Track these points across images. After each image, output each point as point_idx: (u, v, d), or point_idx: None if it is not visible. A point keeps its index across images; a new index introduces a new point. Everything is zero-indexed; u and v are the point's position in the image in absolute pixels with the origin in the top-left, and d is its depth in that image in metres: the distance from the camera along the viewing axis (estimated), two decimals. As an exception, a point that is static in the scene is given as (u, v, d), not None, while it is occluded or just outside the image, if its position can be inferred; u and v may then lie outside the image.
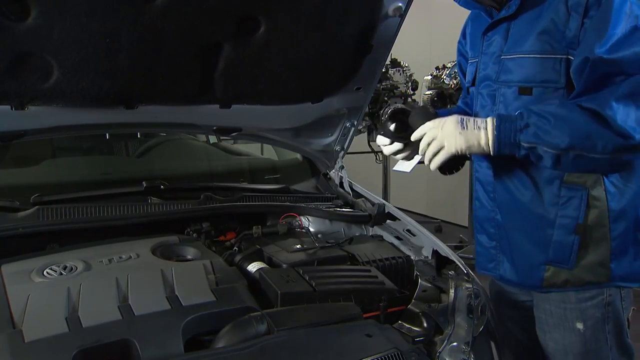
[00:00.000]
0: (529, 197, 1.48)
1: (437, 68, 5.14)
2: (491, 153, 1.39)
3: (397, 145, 1.63)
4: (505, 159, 1.48)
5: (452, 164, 1.55)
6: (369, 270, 1.68)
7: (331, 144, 2.51)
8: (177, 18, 1.65)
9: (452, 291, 1.64)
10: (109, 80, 1.78)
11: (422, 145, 1.47)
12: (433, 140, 1.43)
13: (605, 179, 1.41)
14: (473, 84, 1.67)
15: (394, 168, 5.81)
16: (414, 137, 1.50)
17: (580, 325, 1.48)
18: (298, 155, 2.69)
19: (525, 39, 1.44)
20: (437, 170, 1.55)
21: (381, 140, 1.68)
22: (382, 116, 1.66)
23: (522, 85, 1.45)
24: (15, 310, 1.29)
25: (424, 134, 1.47)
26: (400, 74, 5.24)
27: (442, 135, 1.42)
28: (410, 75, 5.28)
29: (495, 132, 1.37)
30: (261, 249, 1.79)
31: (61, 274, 1.48)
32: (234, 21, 1.73)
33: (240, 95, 2.07)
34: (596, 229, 1.42)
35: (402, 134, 1.60)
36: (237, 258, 1.73)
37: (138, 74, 1.80)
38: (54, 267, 1.50)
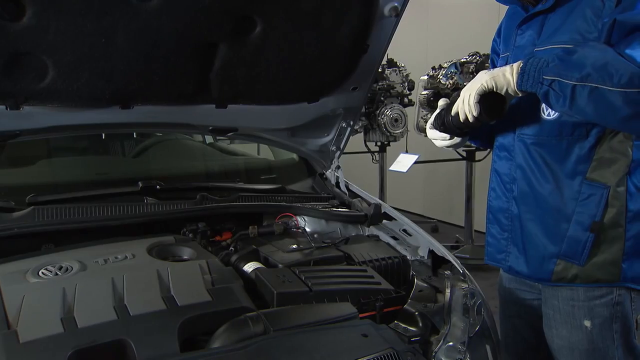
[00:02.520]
0: (548, 190, 1.49)
1: (433, 68, 5.15)
2: (514, 87, 1.40)
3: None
4: (526, 150, 1.52)
5: (492, 108, 1.50)
6: (365, 271, 1.68)
7: (327, 144, 2.51)
8: (173, 18, 1.65)
9: (448, 291, 1.64)
10: (104, 80, 1.78)
11: (461, 104, 1.50)
12: (468, 92, 1.47)
13: (628, 178, 1.41)
14: None
15: (390, 168, 5.83)
16: (458, 101, 1.53)
17: (587, 323, 1.48)
18: (294, 155, 2.69)
19: (559, 31, 1.46)
20: (484, 120, 1.52)
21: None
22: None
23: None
24: (10, 310, 1.28)
25: (462, 96, 1.51)
26: (397, 74, 5.25)
27: (472, 84, 1.46)
28: (407, 75, 5.29)
29: (522, 64, 1.39)
30: (257, 249, 1.79)
31: (56, 274, 1.47)
32: (230, 21, 1.73)
33: (237, 95, 2.07)
34: (612, 228, 1.43)
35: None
36: (233, 258, 1.73)
37: (134, 74, 1.80)
38: (49, 267, 1.50)
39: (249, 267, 1.65)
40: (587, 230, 1.44)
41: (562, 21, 1.46)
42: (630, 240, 1.42)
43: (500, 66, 1.58)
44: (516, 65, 1.40)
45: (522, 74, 1.38)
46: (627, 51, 1.26)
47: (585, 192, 1.44)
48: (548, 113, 1.49)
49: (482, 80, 1.44)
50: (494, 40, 1.81)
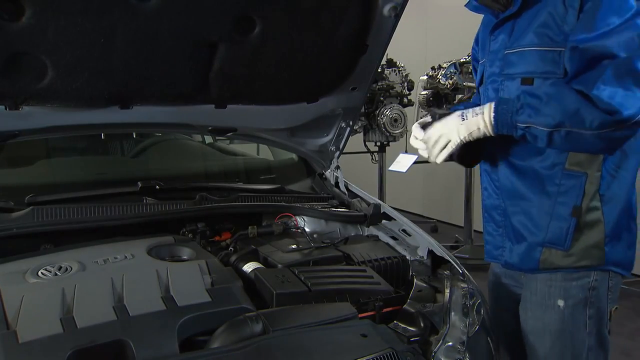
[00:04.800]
0: (529, 182, 1.54)
1: (432, 68, 5.15)
2: (491, 134, 1.47)
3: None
4: (506, 147, 1.56)
5: (469, 155, 1.62)
6: (365, 271, 1.69)
7: (327, 144, 2.51)
8: (172, 18, 1.65)
9: (447, 291, 1.64)
10: (103, 80, 1.78)
11: (429, 145, 1.56)
12: (440, 137, 1.52)
13: (603, 165, 1.46)
14: (481, 83, 1.74)
15: (390, 168, 5.82)
16: (423, 139, 1.57)
17: (561, 303, 1.51)
18: (293, 156, 2.69)
19: (527, 33, 1.50)
20: (459, 165, 1.68)
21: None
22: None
23: (524, 76, 1.51)
24: (10, 311, 1.28)
25: (430, 137, 1.55)
26: (396, 74, 5.25)
27: (447, 131, 1.51)
28: (406, 75, 5.29)
29: (493, 114, 1.44)
30: (256, 249, 1.79)
31: (56, 274, 1.47)
32: (229, 21, 1.73)
33: (236, 95, 2.07)
34: (591, 211, 1.47)
35: None
36: (233, 258, 1.73)
37: (133, 74, 1.80)
38: (48, 267, 1.50)
39: (248, 267, 1.65)
40: (569, 215, 1.48)
41: (528, 24, 1.50)
42: (610, 224, 1.47)
43: (479, 72, 1.72)
44: (488, 115, 1.46)
45: (496, 124, 1.45)
46: (594, 92, 1.32)
47: (564, 182, 1.49)
48: None
49: (459, 134, 1.49)
50: (473, 48, 1.86)
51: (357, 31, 1.96)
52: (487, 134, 1.48)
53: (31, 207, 1.78)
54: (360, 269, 1.71)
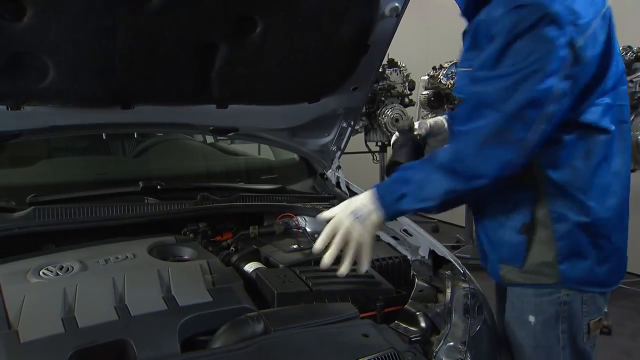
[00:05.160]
0: (487, 200, 1.50)
1: (434, 68, 5.15)
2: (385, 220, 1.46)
3: None
4: None
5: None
6: (366, 270, 1.68)
7: (328, 144, 2.51)
8: (174, 18, 1.65)
9: (448, 291, 1.64)
10: (105, 80, 1.78)
11: (333, 251, 1.45)
12: (348, 242, 1.44)
13: (547, 180, 1.40)
14: None
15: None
16: (319, 245, 1.48)
17: (532, 319, 1.48)
18: (295, 156, 2.69)
19: (463, 52, 1.48)
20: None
21: None
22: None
23: (460, 96, 1.49)
24: (11, 310, 1.28)
25: (332, 246, 1.46)
26: (397, 74, 5.25)
27: (351, 233, 1.43)
28: (407, 75, 5.29)
29: (382, 210, 1.43)
30: (258, 249, 1.79)
31: (57, 274, 1.47)
32: (231, 21, 1.73)
33: (237, 95, 2.07)
34: (540, 229, 1.43)
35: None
36: (234, 258, 1.73)
37: (134, 74, 1.80)
38: (50, 267, 1.50)
39: (249, 267, 1.65)
40: (519, 232, 1.45)
41: (465, 42, 1.48)
42: (561, 241, 1.41)
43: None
44: (376, 211, 1.43)
45: (389, 218, 1.45)
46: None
47: (514, 197, 1.44)
48: None
49: (371, 239, 1.45)
50: None
51: (358, 31, 1.96)
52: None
53: (33, 207, 1.78)
54: None
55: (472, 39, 1.42)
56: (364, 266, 1.47)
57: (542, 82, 1.25)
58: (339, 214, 1.45)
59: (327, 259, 1.44)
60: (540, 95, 1.26)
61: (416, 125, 1.75)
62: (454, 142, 1.41)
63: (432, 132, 1.76)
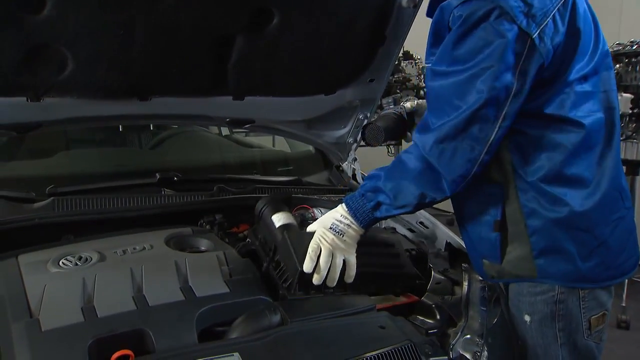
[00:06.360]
0: (463, 195, 1.46)
1: (449, 60, 5.10)
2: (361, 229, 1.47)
3: None
4: None
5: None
6: (393, 246, 1.67)
7: (344, 136, 2.50)
8: (191, 10, 1.65)
9: (465, 284, 1.63)
10: (122, 72, 1.79)
11: (323, 262, 1.43)
12: (333, 255, 1.43)
13: (516, 175, 1.37)
14: None
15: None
16: (307, 266, 1.43)
17: (527, 318, 1.46)
18: (310, 148, 2.69)
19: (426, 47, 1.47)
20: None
21: None
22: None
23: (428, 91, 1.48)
24: (32, 299, 1.30)
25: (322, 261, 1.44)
26: (413, 67, 5.22)
27: (334, 248, 1.44)
28: (423, 67, 5.25)
29: (358, 222, 1.44)
30: (291, 196, 1.72)
31: (76, 264, 1.49)
32: (248, 13, 1.73)
33: (253, 87, 2.07)
34: (513, 225, 1.40)
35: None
36: (261, 204, 1.67)
37: (151, 66, 1.81)
38: (69, 257, 1.52)
39: (277, 218, 1.61)
40: (492, 230, 1.43)
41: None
42: (534, 236, 1.37)
43: None
44: (354, 222, 1.44)
45: (365, 228, 1.46)
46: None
47: (486, 193, 1.42)
48: None
49: (353, 251, 1.46)
50: None
51: (375, 22, 1.95)
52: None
53: (52, 197, 1.80)
54: (389, 246, 1.68)
55: (434, 35, 1.40)
56: (351, 278, 1.47)
57: (497, 80, 1.24)
58: (318, 232, 1.46)
59: (317, 280, 1.42)
60: (497, 93, 1.25)
61: (408, 104, 1.74)
62: (414, 146, 1.39)
63: (418, 112, 1.75)
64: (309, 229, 1.50)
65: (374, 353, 1.23)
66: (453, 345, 1.42)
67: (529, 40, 1.23)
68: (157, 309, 1.30)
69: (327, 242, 1.43)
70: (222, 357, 1.14)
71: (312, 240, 1.45)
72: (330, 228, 1.45)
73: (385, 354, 1.23)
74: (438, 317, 1.50)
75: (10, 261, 1.52)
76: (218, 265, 1.51)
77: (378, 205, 1.41)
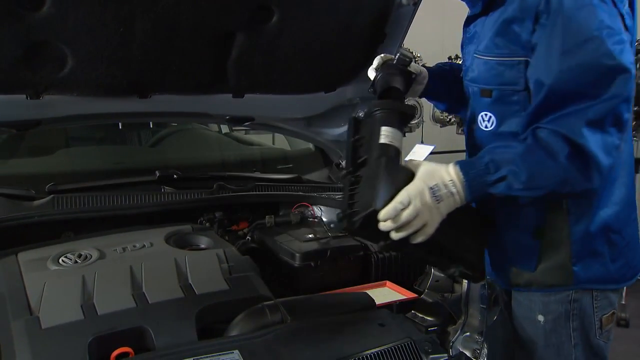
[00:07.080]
0: (498, 200, 1.37)
1: (449, 58, 5.10)
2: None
3: None
4: None
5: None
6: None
7: (344, 134, 2.50)
8: (191, 7, 1.65)
9: (465, 281, 1.63)
10: (122, 69, 1.79)
11: (404, 219, 1.22)
12: (416, 216, 1.24)
13: None
14: None
15: (406, 158, 5.75)
16: (388, 213, 1.24)
17: (541, 318, 1.43)
18: (310, 145, 2.68)
19: (487, 39, 1.37)
20: None
21: None
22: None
23: (482, 87, 1.40)
24: (32, 297, 1.30)
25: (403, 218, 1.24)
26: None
27: (422, 211, 1.24)
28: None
29: (466, 193, 1.27)
30: (407, 117, 1.43)
31: (76, 262, 1.49)
32: (248, 10, 1.73)
33: (253, 84, 2.07)
34: (556, 232, 1.36)
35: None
36: (380, 105, 1.39)
37: (151, 63, 1.81)
38: (69, 255, 1.52)
39: (386, 133, 1.33)
40: (532, 236, 1.39)
41: (489, 29, 1.37)
42: (577, 244, 1.35)
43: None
44: (461, 191, 1.25)
45: (471, 199, 1.28)
46: (581, 142, 1.19)
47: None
48: (485, 125, 1.41)
49: (439, 219, 1.26)
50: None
51: (375, 20, 1.95)
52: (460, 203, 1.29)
53: (52, 195, 1.80)
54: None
55: (504, 23, 1.31)
56: (417, 241, 1.27)
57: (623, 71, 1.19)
58: (417, 184, 1.25)
59: (386, 227, 1.23)
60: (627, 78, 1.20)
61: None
62: (558, 128, 1.23)
63: (417, 79, 1.62)
64: (410, 164, 1.30)
65: (374, 350, 1.23)
66: (453, 342, 1.42)
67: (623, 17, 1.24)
68: (157, 307, 1.29)
69: (419, 202, 1.23)
70: (222, 354, 1.14)
71: (405, 189, 1.24)
72: (431, 189, 1.24)
73: (385, 351, 1.23)
74: (438, 314, 1.50)
75: (10, 259, 1.52)
76: (218, 263, 1.51)
77: (501, 179, 1.23)
